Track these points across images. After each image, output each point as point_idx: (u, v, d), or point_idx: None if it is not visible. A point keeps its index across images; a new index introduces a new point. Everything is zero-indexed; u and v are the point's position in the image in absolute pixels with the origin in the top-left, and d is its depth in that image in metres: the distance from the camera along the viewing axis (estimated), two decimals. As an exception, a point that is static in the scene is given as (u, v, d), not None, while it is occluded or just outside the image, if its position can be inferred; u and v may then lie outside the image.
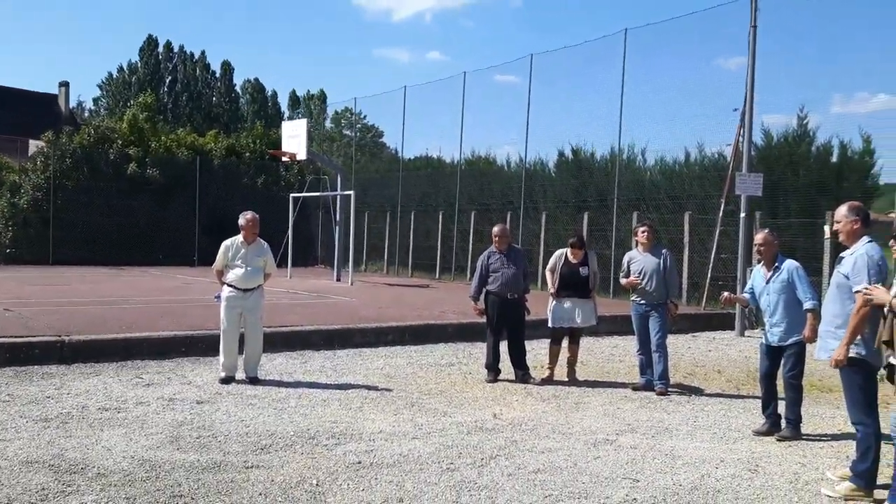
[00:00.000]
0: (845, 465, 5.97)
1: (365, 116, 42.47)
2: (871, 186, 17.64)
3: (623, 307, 11.66)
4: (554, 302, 9.77)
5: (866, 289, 5.35)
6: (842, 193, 16.25)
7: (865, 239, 5.81)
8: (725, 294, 8.08)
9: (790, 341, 7.25)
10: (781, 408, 7.37)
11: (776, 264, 7.41)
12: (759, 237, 7.63)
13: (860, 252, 5.71)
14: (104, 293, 17.06)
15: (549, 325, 9.80)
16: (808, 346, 7.24)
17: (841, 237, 6.03)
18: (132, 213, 29.13)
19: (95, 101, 67.54)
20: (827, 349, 6.05)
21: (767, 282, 7.42)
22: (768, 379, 7.44)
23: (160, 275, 23.93)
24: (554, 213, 21.69)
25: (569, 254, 9.79)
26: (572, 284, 9.68)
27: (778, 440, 7.10)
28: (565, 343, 9.88)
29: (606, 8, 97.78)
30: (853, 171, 17.73)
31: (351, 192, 22.54)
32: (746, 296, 7.91)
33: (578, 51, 22.32)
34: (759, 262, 7.69)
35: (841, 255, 6.04)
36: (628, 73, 20.04)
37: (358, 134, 41.03)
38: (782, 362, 7.35)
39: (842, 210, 5.99)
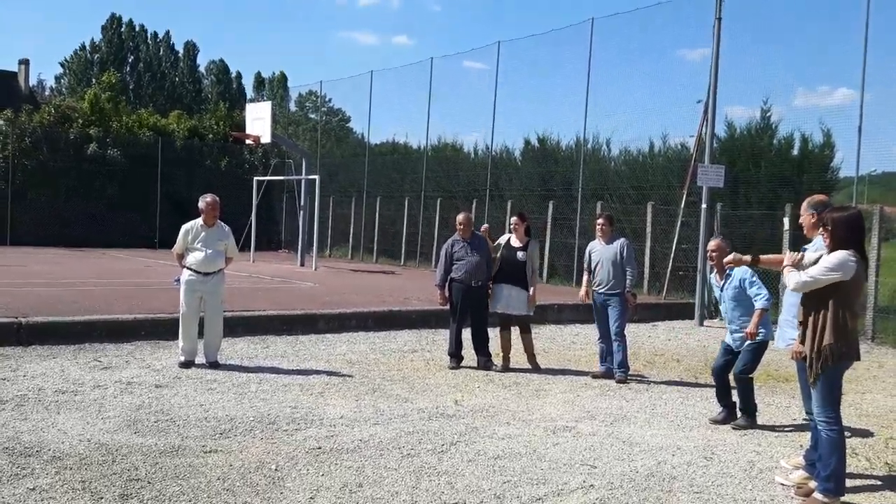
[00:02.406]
0: (799, 454, 6.08)
1: (330, 100, 42.16)
2: (830, 180, 17.88)
3: (585, 296, 11.73)
4: (494, 286, 9.81)
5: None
6: (802, 186, 16.50)
7: None
8: None
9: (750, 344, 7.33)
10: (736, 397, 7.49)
11: (727, 272, 7.46)
12: (712, 244, 7.62)
13: (820, 244, 5.81)
14: (63, 275, 16.80)
15: (489, 309, 9.85)
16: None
17: (805, 230, 6.15)
18: (92, 194, 28.66)
19: (58, 79, 66.26)
20: (786, 339, 6.16)
21: (721, 290, 7.49)
22: (720, 372, 7.53)
23: (120, 257, 23.63)
24: (520, 202, 21.70)
25: (512, 238, 9.84)
26: (509, 268, 9.70)
27: (734, 429, 7.21)
28: (517, 332, 9.88)
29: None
30: (813, 165, 17.95)
31: (316, 177, 22.40)
32: None
33: (545, 39, 22.36)
34: (710, 270, 7.72)
35: (804, 247, 6.16)
36: (594, 62, 20.11)
37: (323, 118, 40.69)
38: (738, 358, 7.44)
39: (804, 203, 6.11)
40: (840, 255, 5.19)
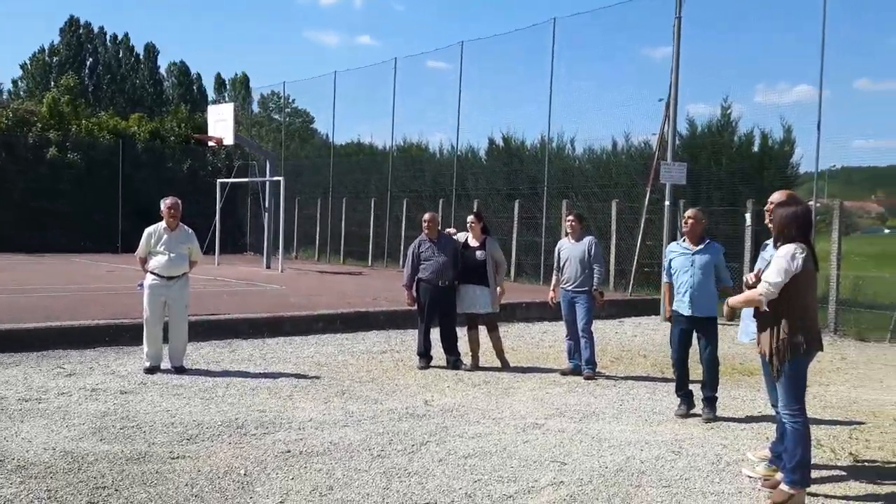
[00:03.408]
0: (765, 446, 6.16)
1: (294, 101, 41.93)
2: (790, 176, 18.15)
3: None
4: (458, 286, 9.83)
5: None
6: (763, 183, 16.74)
7: None
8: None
9: (707, 315, 7.43)
10: (692, 387, 7.59)
11: (706, 241, 7.56)
12: (690, 211, 7.77)
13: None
14: (24, 281, 16.52)
15: (457, 310, 9.86)
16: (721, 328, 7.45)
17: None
18: (52, 199, 28.10)
19: (14, 82, 65.11)
20: (749, 333, 6.24)
21: (694, 254, 7.52)
22: (685, 361, 7.60)
23: (82, 262, 23.29)
24: (485, 201, 21.79)
25: (469, 238, 9.85)
26: (470, 269, 9.71)
27: (705, 422, 7.28)
28: (485, 331, 9.89)
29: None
30: (774, 161, 18.22)
31: (280, 178, 22.28)
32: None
33: (508, 39, 22.46)
34: (682, 237, 7.81)
35: (766, 241, 6.25)
36: (557, 61, 20.26)
37: (287, 119, 40.45)
38: (700, 343, 7.52)
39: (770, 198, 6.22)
40: (786, 250, 5.28)
